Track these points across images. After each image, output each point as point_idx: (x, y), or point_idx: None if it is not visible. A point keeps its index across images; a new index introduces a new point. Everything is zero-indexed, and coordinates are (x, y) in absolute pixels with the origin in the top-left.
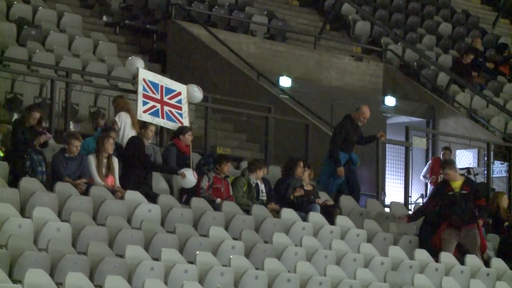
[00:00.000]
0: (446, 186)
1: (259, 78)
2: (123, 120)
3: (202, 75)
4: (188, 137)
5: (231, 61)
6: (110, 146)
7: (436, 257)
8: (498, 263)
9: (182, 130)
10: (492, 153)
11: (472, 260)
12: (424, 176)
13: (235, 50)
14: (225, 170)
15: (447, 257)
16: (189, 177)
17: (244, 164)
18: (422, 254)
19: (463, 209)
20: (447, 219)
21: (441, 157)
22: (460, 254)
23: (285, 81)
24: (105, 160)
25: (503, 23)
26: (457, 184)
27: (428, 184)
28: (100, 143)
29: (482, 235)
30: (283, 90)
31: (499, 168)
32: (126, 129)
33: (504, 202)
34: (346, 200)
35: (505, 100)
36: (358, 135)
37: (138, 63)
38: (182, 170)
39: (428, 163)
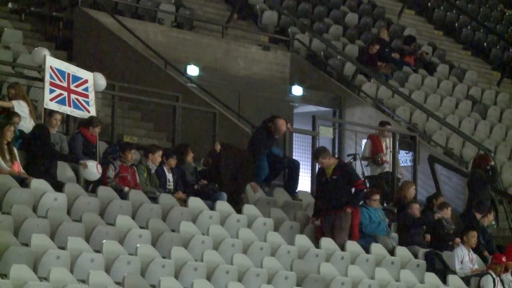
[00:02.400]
0: (322, 173)
1: (167, 67)
2: (19, 108)
3: (109, 63)
4: (97, 130)
5: (138, 49)
6: (9, 133)
7: (317, 243)
8: (402, 252)
9: (92, 122)
10: (397, 143)
11: (377, 248)
12: (363, 157)
13: (142, 38)
14: (129, 158)
15: (327, 242)
16: (92, 169)
17: None
18: (328, 243)
19: (331, 194)
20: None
21: (378, 132)
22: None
23: (192, 70)
24: (5, 147)
25: (408, 14)
26: (330, 170)
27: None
28: (0, 129)
29: (356, 223)
30: (190, 79)
31: (404, 158)
32: (23, 118)
33: (411, 192)
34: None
35: (410, 90)
36: (272, 142)
37: (45, 52)
38: (84, 161)
39: (364, 143)
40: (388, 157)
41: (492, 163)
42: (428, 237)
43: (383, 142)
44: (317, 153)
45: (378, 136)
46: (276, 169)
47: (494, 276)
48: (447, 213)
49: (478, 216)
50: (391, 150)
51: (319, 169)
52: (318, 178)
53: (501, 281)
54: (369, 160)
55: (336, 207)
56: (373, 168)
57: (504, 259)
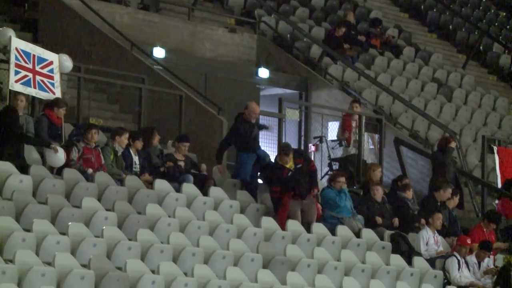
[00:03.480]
0: (282, 168)
1: (133, 49)
2: None
3: (75, 45)
4: (62, 111)
5: (104, 31)
6: None
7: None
8: (368, 234)
9: (57, 103)
10: (363, 125)
11: (342, 230)
12: (338, 137)
13: (109, 20)
14: (91, 138)
15: (294, 225)
16: (60, 154)
17: None
18: (294, 225)
19: (302, 182)
20: (289, 194)
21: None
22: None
23: (159, 52)
24: None
25: None
26: (290, 164)
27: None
28: None
29: (317, 204)
30: (156, 61)
31: (370, 140)
32: None
33: (377, 174)
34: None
35: (376, 73)
36: (256, 131)
37: (10, 34)
38: (55, 145)
39: (338, 125)
40: (357, 137)
41: (452, 144)
42: (396, 221)
43: (353, 121)
44: (289, 150)
45: (347, 116)
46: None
47: (459, 258)
48: (409, 194)
49: (442, 197)
50: (357, 132)
51: (275, 166)
52: (278, 175)
53: (466, 263)
54: (337, 142)
55: (309, 191)
56: (340, 150)
57: (469, 241)
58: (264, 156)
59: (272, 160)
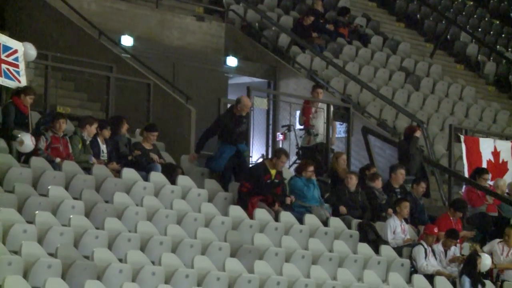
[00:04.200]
0: (267, 173)
1: (100, 37)
2: None
3: (42, 33)
4: (29, 100)
5: (72, 19)
6: None
7: (251, 216)
8: (335, 222)
9: (25, 91)
10: (331, 114)
11: (310, 219)
12: (300, 123)
13: (76, 8)
14: (59, 127)
15: (262, 213)
16: (27, 142)
17: None
18: (262, 213)
19: (276, 196)
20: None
21: (312, 94)
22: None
23: (126, 40)
24: None
25: None
26: (274, 172)
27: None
28: None
29: None
30: (124, 49)
31: (338, 129)
32: None
33: (341, 162)
34: (186, 160)
35: (344, 61)
36: (245, 125)
37: None
38: (20, 137)
39: (298, 113)
40: (316, 122)
41: (417, 134)
42: (343, 209)
43: (312, 107)
44: (281, 154)
45: (309, 102)
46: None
47: (426, 246)
48: (378, 184)
49: (397, 180)
50: (325, 121)
51: (261, 168)
52: (263, 178)
53: (433, 251)
54: (305, 130)
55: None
56: (307, 138)
57: (436, 230)
58: (243, 151)
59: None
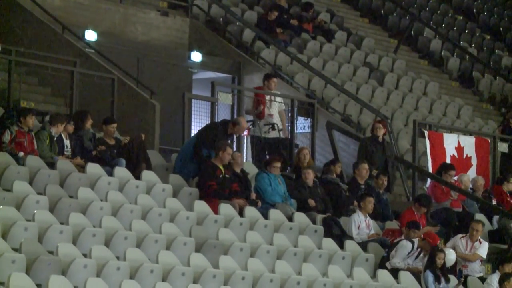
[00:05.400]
0: (217, 169)
1: (64, 32)
2: None
3: (5, 28)
4: None
5: (35, 13)
6: None
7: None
8: (300, 218)
9: None
10: (296, 109)
11: (275, 214)
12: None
13: (39, 2)
14: (29, 123)
15: (226, 208)
16: None
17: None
18: (227, 209)
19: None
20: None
21: (264, 83)
22: None
23: (90, 35)
24: None
25: None
26: (222, 167)
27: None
28: None
29: None
30: (88, 44)
31: (302, 124)
32: None
33: (303, 157)
34: (151, 155)
35: (308, 57)
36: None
37: None
38: None
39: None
40: (271, 111)
41: (379, 130)
42: (311, 202)
43: (266, 97)
44: (225, 146)
45: (263, 89)
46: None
47: (415, 249)
48: (337, 170)
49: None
50: (289, 116)
51: (208, 166)
52: (214, 174)
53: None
54: (269, 126)
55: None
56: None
57: (439, 242)
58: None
59: None
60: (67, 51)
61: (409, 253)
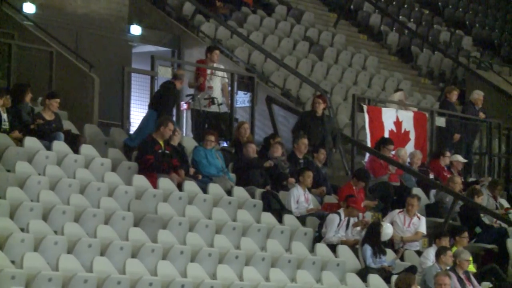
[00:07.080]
0: (157, 144)
1: (2, 4)
2: None
3: None
4: None
5: None
6: None
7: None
8: (239, 192)
9: None
10: (235, 83)
11: (214, 188)
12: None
13: None
14: None
15: (165, 183)
16: None
17: None
18: (166, 183)
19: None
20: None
21: (206, 55)
22: None
23: (29, 8)
24: None
25: None
26: (162, 142)
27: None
28: None
29: None
30: (26, 17)
31: (242, 98)
32: None
33: (242, 131)
34: (89, 129)
35: (249, 31)
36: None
37: None
38: None
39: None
40: (211, 83)
41: (319, 106)
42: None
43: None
44: (167, 121)
45: (205, 61)
46: None
47: (343, 217)
48: (278, 152)
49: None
50: (229, 91)
51: (148, 141)
52: (153, 148)
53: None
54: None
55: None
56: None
57: (363, 205)
58: None
59: None
60: (5, 23)
61: (338, 224)
